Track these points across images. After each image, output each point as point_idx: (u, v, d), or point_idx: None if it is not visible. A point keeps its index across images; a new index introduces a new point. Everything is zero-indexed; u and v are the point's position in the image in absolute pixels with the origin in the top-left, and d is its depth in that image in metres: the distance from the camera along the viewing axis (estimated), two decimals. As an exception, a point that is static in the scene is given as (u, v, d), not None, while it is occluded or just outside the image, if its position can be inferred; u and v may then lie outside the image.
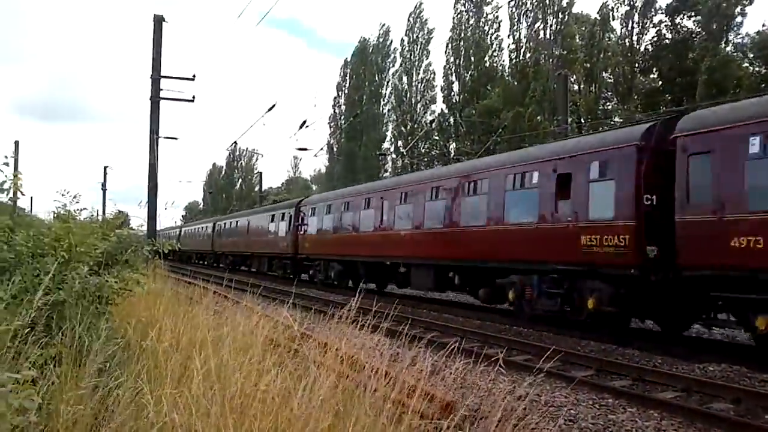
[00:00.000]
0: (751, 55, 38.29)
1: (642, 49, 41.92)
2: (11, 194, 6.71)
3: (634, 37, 41.87)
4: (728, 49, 37.14)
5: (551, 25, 47.40)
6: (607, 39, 43.61)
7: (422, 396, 4.99)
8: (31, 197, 43.48)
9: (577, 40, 45.58)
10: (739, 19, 37.42)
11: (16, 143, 46.86)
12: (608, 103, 45.71)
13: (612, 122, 40.71)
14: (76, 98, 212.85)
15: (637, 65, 41.74)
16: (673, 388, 8.75)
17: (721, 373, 9.67)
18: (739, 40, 38.00)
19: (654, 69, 41.58)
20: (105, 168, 60.38)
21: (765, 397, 8.03)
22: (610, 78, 43.94)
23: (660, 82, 41.19)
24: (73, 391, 4.22)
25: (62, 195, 7.65)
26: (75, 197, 7.75)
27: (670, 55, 39.15)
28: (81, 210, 8.26)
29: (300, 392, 4.11)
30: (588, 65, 44.30)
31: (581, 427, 6.71)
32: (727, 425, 6.97)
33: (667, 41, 39.98)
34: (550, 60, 45.59)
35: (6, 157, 6.62)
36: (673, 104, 36.27)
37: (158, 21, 21.91)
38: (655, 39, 40.88)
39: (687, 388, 8.66)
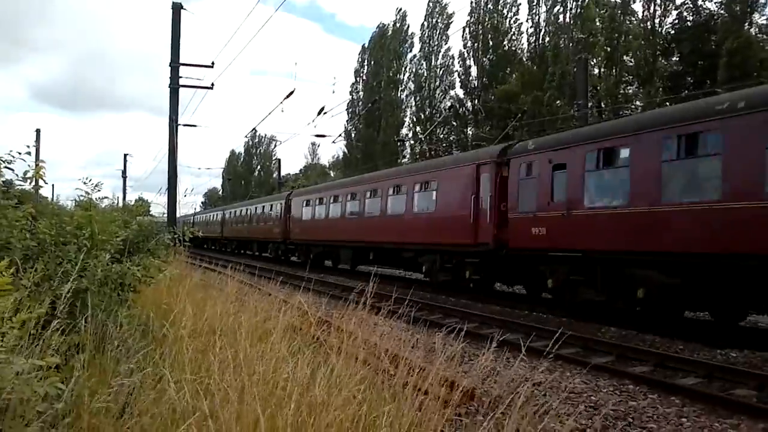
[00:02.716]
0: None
1: (663, 32, 41.28)
2: (33, 183, 6.79)
3: (656, 20, 41.24)
4: (752, 30, 36.44)
5: (571, 9, 46.82)
6: (627, 22, 42.98)
7: (443, 383, 5.00)
8: (53, 185, 44.01)
9: (597, 24, 44.99)
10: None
11: (38, 131, 47.42)
12: (629, 87, 45.12)
13: (633, 106, 40.26)
14: (97, 86, 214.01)
15: (658, 48, 41.11)
16: (695, 374, 8.69)
17: (744, 359, 9.59)
18: (764, 21, 37.28)
19: (676, 52, 40.95)
20: (125, 156, 60.99)
21: (788, 383, 7.95)
22: (631, 62, 43.31)
23: (682, 66, 40.57)
24: (96, 377, 4.27)
25: (84, 183, 7.70)
26: (96, 186, 7.80)
27: (691, 37, 38.54)
28: (102, 198, 8.32)
29: (320, 379, 4.13)
30: (608, 49, 43.73)
31: (602, 414, 6.68)
32: (750, 412, 6.90)
33: (689, 23, 39.35)
34: (570, 44, 45.07)
35: (28, 146, 6.70)
36: (695, 87, 35.75)
37: (177, 8, 21.95)
38: (677, 22, 40.23)
39: (709, 374, 8.60)
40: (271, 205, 39.23)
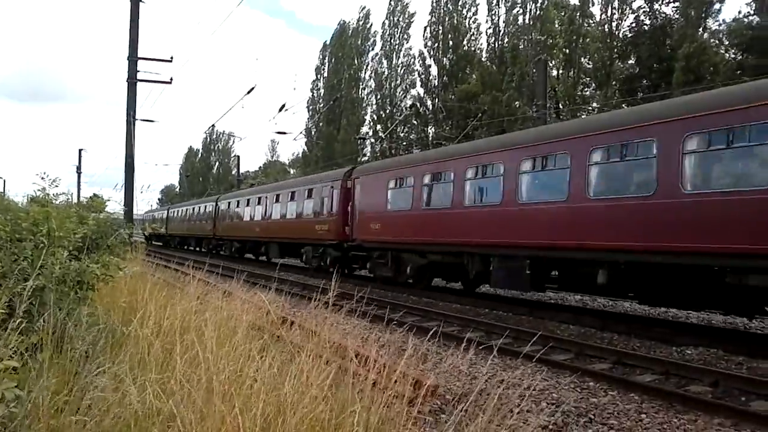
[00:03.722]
0: (727, 42, 38.60)
1: (621, 35, 42.05)
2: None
3: (614, 23, 41.98)
4: (705, 35, 37.34)
5: (530, 10, 47.41)
6: (586, 25, 43.69)
7: (409, 382, 4.99)
8: (4, 180, 42.84)
9: (557, 26, 45.63)
10: (717, 5, 37.62)
11: (-12, 125, 46.01)
12: (587, 89, 45.86)
13: (590, 108, 40.92)
14: (49, 78, 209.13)
15: (615, 51, 41.86)
16: (652, 371, 8.85)
17: (699, 356, 9.82)
18: (717, 27, 38.24)
19: (632, 55, 41.74)
20: (80, 150, 59.87)
21: (741, 379, 8.15)
22: (588, 64, 44.05)
23: (638, 68, 41.39)
24: (56, 378, 4.15)
25: (41, 178, 7.48)
26: (54, 181, 7.60)
27: (648, 41, 39.32)
28: (59, 194, 8.11)
29: (289, 379, 4.09)
30: (567, 51, 44.39)
31: (564, 411, 6.76)
32: (705, 407, 7.06)
33: (645, 27, 40.14)
34: (529, 45, 45.60)
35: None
36: (651, 90, 36.47)
37: (135, 1, 21.56)
38: (634, 25, 41.01)
39: (665, 371, 8.77)
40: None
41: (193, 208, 48.34)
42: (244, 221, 35.88)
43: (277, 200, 31.93)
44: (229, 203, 39.75)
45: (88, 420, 3.78)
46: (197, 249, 48.85)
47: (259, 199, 33.93)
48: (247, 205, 35.71)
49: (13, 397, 3.36)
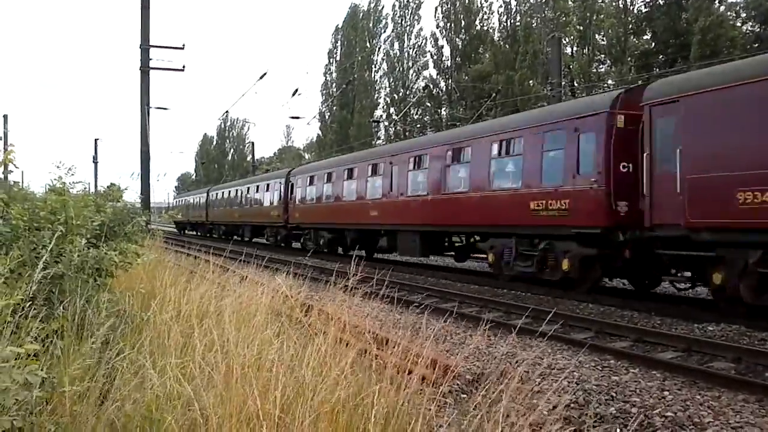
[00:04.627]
0: (744, 15, 37.98)
1: (635, 10, 41.49)
2: (2, 168, 6.60)
3: (627, -1, 41.42)
4: (722, 8, 36.76)
5: (543, -13, 46.85)
6: (600, 1, 43.13)
7: (427, 363, 4.97)
8: (23, 171, 43.21)
9: (570, 3, 45.07)
10: (733, -23, 36.99)
11: (5, 117, 46.40)
12: (602, 66, 45.37)
13: (606, 85, 40.47)
14: (67, 69, 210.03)
15: (630, 27, 41.33)
16: (674, 348, 8.78)
17: (721, 333, 9.72)
18: (733, 0, 37.63)
19: (647, 30, 41.20)
20: (96, 140, 60.02)
21: (764, 355, 8.06)
22: (603, 40, 43.52)
23: (653, 44, 40.86)
24: (77, 364, 4.17)
25: (57, 167, 7.52)
26: (70, 169, 7.63)
27: (663, 16, 38.77)
28: (75, 183, 8.14)
29: (308, 361, 4.08)
30: (581, 28, 43.87)
31: (585, 389, 6.72)
32: (729, 384, 6.99)
33: (660, 1, 39.57)
34: (542, 23, 45.11)
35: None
36: (667, 65, 36.02)
37: (145, -11, 21.52)
38: (649, 0, 40.47)
39: (687, 348, 8.69)
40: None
41: (247, 189, 40.09)
42: (347, 201, 25.35)
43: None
44: (311, 178, 29.55)
45: (109, 404, 3.80)
46: (247, 240, 40.87)
47: (374, 167, 23.25)
48: (350, 177, 25.25)
49: (37, 381, 3.37)
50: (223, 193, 46.52)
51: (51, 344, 4.36)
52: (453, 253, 20.98)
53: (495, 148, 16.28)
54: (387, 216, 21.49)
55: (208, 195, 50.58)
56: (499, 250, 15.92)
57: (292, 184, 31.46)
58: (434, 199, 18.73)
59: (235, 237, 41.82)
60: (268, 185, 35.69)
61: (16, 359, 3.31)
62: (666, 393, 6.69)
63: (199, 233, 55.70)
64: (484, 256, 17.70)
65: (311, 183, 28.98)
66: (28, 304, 4.31)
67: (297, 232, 31.48)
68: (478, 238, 18.50)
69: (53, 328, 4.67)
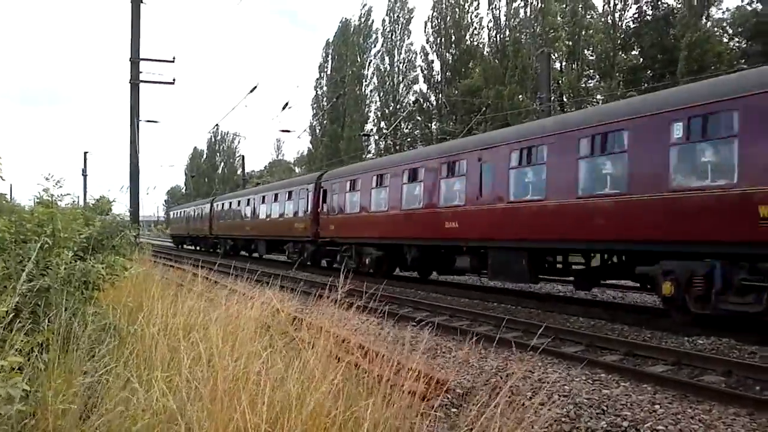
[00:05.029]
0: (731, 30, 38.36)
1: (624, 26, 41.87)
2: (-10, 180, 6.52)
3: (616, 14, 41.80)
4: (709, 24, 37.14)
5: (531, 3, 47.13)
6: (589, 16, 43.47)
7: (416, 376, 4.93)
8: (11, 184, 42.98)
9: (558, 19, 45.38)
10: (720, -6, 37.41)
11: (-7, 130, 46.12)
12: (590, 81, 45.67)
13: (594, 100, 40.73)
14: (52, 81, 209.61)
15: (618, 42, 41.67)
16: (664, 362, 8.76)
17: (711, 346, 9.72)
18: (721, 15, 38.04)
19: (636, 46, 41.55)
20: (85, 153, 59.85)
21: (755, 368, 8.05)
22: (592, 55, 43.84)
23: (642, 59, 41.20)
24: (62, 377, 4.11)
25: (46, 179, 7.46)
26: (58, 181, 7.56)
27: (651, 31, 39.14)
28: (63, 195, 8.06)
29: (294, 374, 4.03)
30: (570, 43, 44.18)
31: (576, 402, 6.68)
32: (720, 397, 6.98)
33: (648, 17, 39.96)
34: (531, 38, 45.38)
35: (-17, 141, 6.43)
36: (655, 81, 36.29)
37: (136, 2, 21.53)
38: (637, 16, 40.86)
39: (678, 361, 8.68)
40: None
41: (262, 198, 34.71)
42: (408, 210, 19.58)
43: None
44: (353, 182, 23.72)
45: (94, 419, 3.74)
46: (252, 257, 37.90)
47: (452, 165, 17.78)
48: (413, 179, 19.61)
49: (20, 394, 3.31)
50: (230, 203, 41.41)
51: (35, 358, 4.30)
52: (571, 278, 15.62)
53: (677, 128, 11.12)
54: (472, 229, 16.29)
55: (212, 206, 46.00)
56: (685, 277, 10.93)
57: (325, 191, 25.88)
58: (557, 205, 13.54)
59: (243, 253, 39.35)
60: (290, 193, 30.32)
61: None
62: (657, 406, 6.67)
63: (200, 248, 50.98)
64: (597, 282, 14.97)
65: (353, 189, 23.27)
66: (12, 317, 4.25)
67: (331, 248, 25.53)
68: (614, 258, 14.19)
69: (38, 341, 4.60)
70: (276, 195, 32.23)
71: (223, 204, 43.32)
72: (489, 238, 15.79)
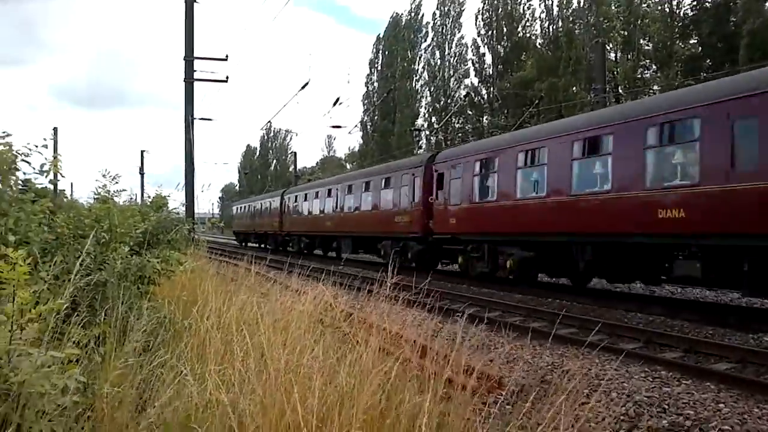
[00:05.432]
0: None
1: (681, 14, 40.68)
2: (51, 177, 6.68)
3: (674, 2, 40.64)
4: (772, 10, 35.76)
5: (585, -8, 46.27)
6: (645, 5, 42.42)
7: (472, 372, 4.84)
8: (71, 183, 44.26)
9: (613, 8, 44.42)
10: (783, -23, 35.92)
11: (55, 129, 47.64)
12: (647, 71, 44.55)
13: (651, 90, 39.71)
14: (114, 84, 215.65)
15: (676, 31, 40.51)
16: (727, 359, 8.46)
17: (777, 344, 9.35)
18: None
19: (694, 34, 40.32)
20: (142, 152, 61.17)
21: (825, 367, 7.71)
22: (648, 45, 42.75)
23: (700, 48, 39.96)
24: (117, 370, 4.16)
25: (103, 176, 7.63)
26: (114, 177, 7.72)
27: (710, 19, 37.91)
28: (120, 191, 8.22)
29: (348, 369, 3.99)
30: (625, 33, 43.18)
31: (636, 401, 6.49)
32: (788, 397, 6.68)
33: (707, 5, 38.72)
34: (585, 29, 44.56)
35: (45, 139, 6.58)
36: (714, 70, 35.16)
37: (190, 2, 21.86)
38: (695, 3, 39.61)
39: (742, 359, 8.36)
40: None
41: (347, 188, 29.95)
42: (582, 195, 14.67)
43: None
44: (484, 162, 19.08)
45: (149, 411, 3.77)
46: (331, 255, 32.84)
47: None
48: (592, 153, 14.63)
49: (76, 387, 3.35)
50: (306, 194, 36.02)
51: (92, 350, 4.36)
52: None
53: None
54: (712, 219, 11.17)
55: (282, 199, 40.66)
56: None
57: (441, 175, 20.95)
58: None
59: (316, 252, 34.82)
60: (386, 180, 25.20)
61: (57, 365, 3.30)
62: (722, 405, 6.43)
63: (266, 246, 43.76)
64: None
65: (485, 169, 18.50)
66: (70, 310, 4.32)
67: (450, 246, 20.58)
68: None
69: (95, 334, 4.67)
70: (367, 183, 27.25)
71: (296, 196, 37.99)
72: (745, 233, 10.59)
